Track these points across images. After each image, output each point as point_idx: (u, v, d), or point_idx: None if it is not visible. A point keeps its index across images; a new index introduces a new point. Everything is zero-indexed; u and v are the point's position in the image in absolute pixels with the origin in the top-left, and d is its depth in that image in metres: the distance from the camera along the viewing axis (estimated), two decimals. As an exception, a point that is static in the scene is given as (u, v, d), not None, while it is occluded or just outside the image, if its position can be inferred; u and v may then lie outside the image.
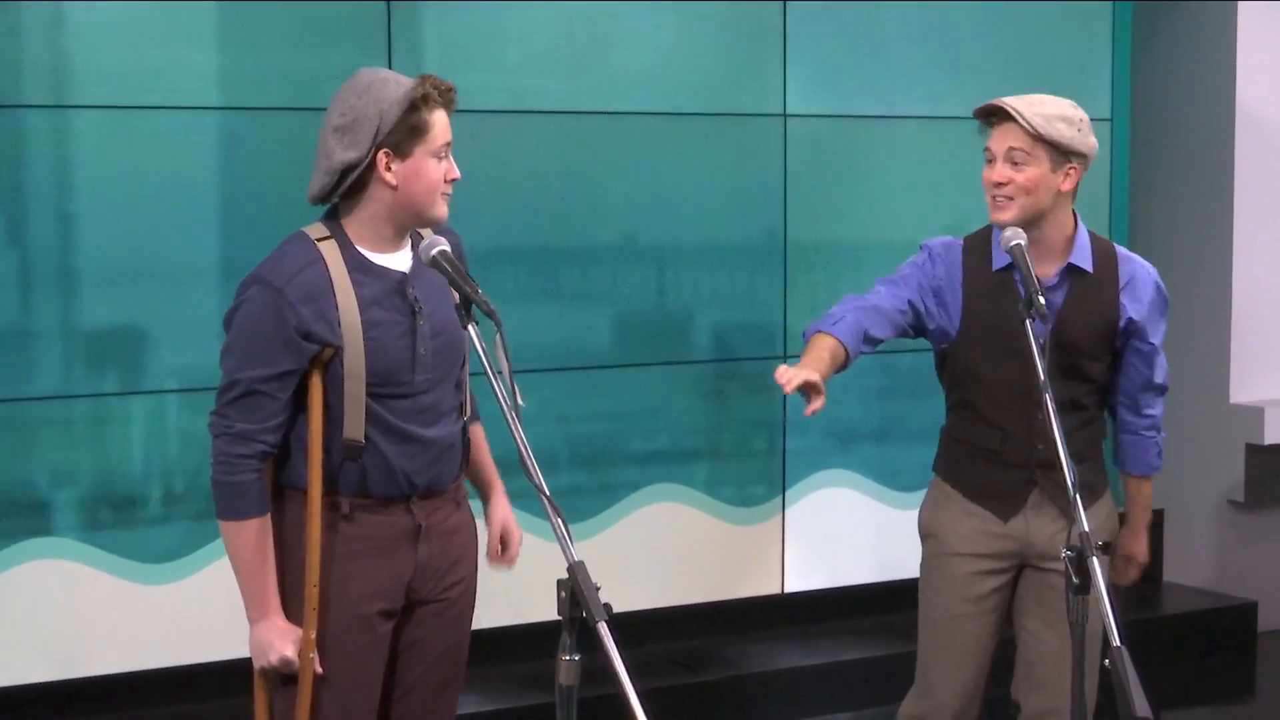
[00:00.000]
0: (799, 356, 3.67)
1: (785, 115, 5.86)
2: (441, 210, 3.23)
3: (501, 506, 3.53)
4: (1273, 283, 6.57)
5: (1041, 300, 3.43)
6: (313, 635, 3.18)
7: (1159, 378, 3.87)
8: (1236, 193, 6.47)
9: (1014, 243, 3.59)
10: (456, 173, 3.23)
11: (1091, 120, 3.71)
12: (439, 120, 3.19)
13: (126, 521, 4.92)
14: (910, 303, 3.80)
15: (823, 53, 5.90)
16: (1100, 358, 3.79)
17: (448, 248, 3.10)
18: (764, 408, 5.90)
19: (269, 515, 3.20)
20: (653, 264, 5.77)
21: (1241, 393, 6.55)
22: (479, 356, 2.95)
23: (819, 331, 3.71)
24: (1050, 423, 3.35)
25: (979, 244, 3.83)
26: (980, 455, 3.83)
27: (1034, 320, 3.43)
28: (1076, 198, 3.77)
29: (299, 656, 3.18)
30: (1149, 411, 3.91)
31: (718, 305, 5.86)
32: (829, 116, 5.94)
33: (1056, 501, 3.77)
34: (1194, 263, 6.60)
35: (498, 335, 2.90)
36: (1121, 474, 3.99)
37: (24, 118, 4.77)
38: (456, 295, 3.05)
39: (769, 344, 5.88)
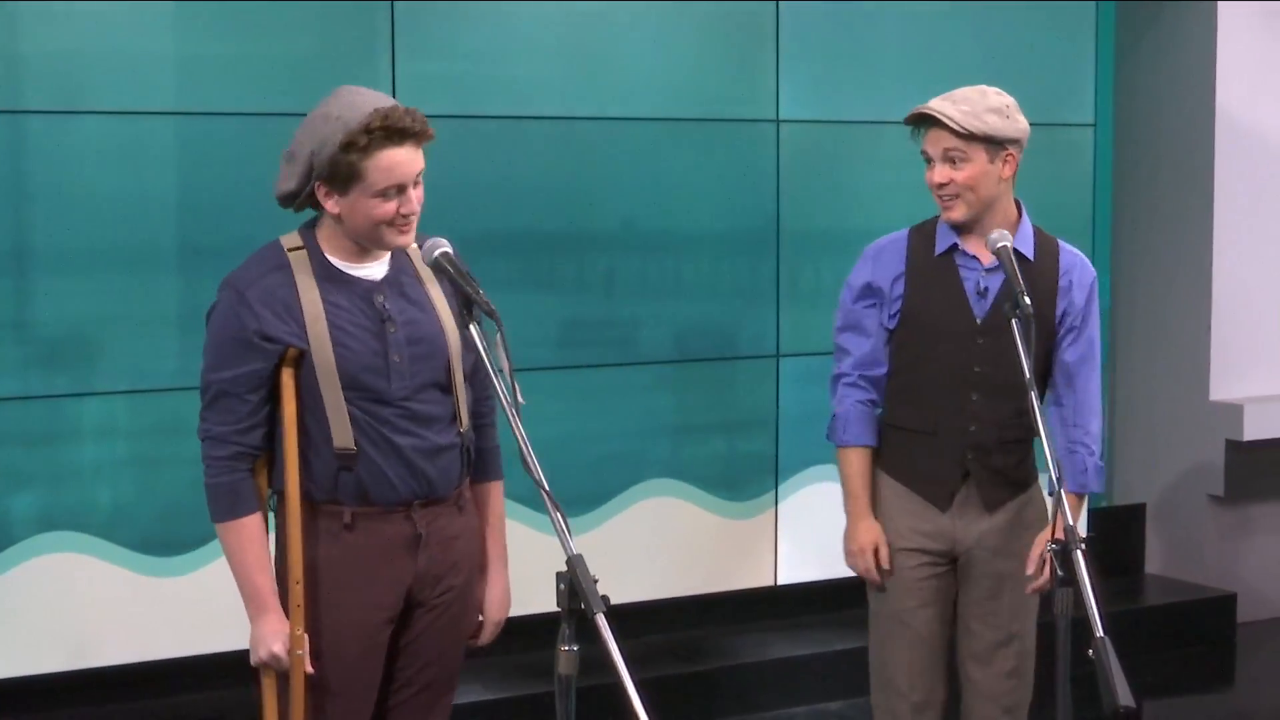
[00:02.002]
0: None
1: (778, 121, 5.86)
2: (396, 240, 3.12)
3: (493, 590, 3.39)
4: (1252, 283, 6.58)
5: (1027, 301, 3.43)
6: (299, 632, 3.14)
7: (1081, 417, 3.79)
8: (1216, 194, 6.48)
9: (1000, 244, 3.59)
10: (413, 206, 3.10)
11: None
12: (378, 165, 3.03)
13: (136, 515, 4.92)
14: (881, 338, 3.82)
15: (815, 59, 5.89)
16: (1037, 342, 3.72)
17: (450, 249, 3.08)
18: (758, 404, 5.90)
19: (256, 516, 3.18)
20: (650, 266, 5.77)
21: (1221, 390, 6.55)
22: (484, 361, 2.95)
23: (843, 446, 3.84)
24: (1037, 416, 3.35)
25: (925, 230, 3.82)
26: (915, 439, 3.79)
27: (1019, 320, 3.44)
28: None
29: (288, 654, 3.15)
30: (1079, 421, 3.80)
31: (713, 305, 5.85)
32: (821, 122, 5.94)
33: (984, 495, 3.76)
34: (1175, 263, 6.61)
35: (498, 334, 2.90)
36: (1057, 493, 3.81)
37: (26, 121, 4.77)
38: (459, 296, 3.05)
39: (763, 342, 5.88)
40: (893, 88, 5.99)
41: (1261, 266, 6.59)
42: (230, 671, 4.68)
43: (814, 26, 5.88)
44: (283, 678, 3.20)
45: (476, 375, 3.30)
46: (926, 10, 6.07)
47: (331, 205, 3.10)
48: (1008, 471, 3.76)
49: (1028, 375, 3.39)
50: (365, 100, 3.07)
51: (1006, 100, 3.70)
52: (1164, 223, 6.65)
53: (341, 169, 3.04)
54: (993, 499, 3.75)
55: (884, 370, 3.84)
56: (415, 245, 3.23)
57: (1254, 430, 6.44)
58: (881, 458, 3.86)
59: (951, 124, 3.62)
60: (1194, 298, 6.54)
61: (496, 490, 3.42)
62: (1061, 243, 3.85)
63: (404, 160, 3.07)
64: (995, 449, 3.73)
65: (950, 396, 3.74)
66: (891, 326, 3.81)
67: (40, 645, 4.84)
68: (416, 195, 3.12)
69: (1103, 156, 6.57)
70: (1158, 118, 6.65)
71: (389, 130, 3.03)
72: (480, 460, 3.36)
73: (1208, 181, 6.49)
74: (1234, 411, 6.45)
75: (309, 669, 3.15)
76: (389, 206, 3.08)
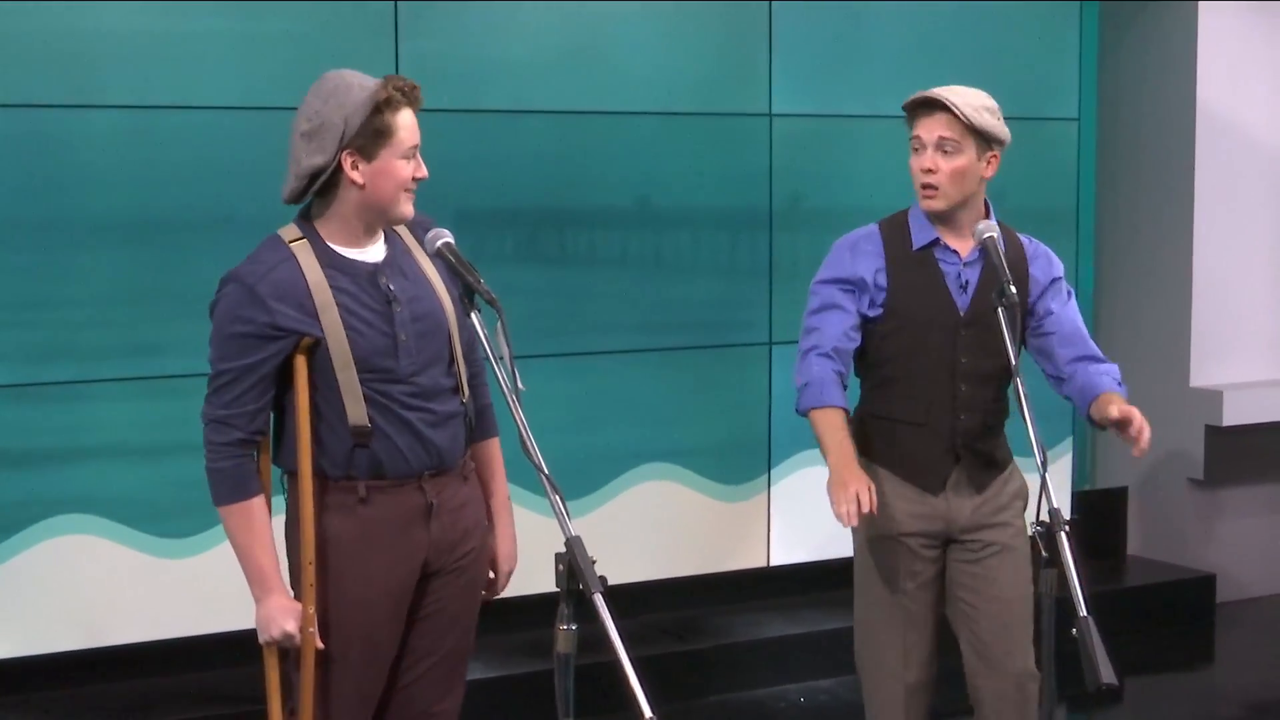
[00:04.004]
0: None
1: (770, 115, 5.85)
2: (406, 209, 3.18)
3: (503, 540, 3.44)
4: (1231, 273, 6.58)
5: (1013, 290, 3.43)
6: (311, 611, 3.15)
7: (1089, 350, 3.79)
8: (1197, 187, 6.48)
9: (987, 235, 3.58)
10: (424, 172, 3.18)
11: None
12: (404, 122, 3.13)
13: (149, 498, 4.92)
14: (854, 319, 3.75)
15: (807, 54, 5.89)
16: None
17: (451, 239, 3.11)
18: (751, 391, 5.90)
19: (260, 498, 3.19)
20: (646, 257, 5.77)
21: (1201, 377, 6.56)
22: (482, 344, 2.96)
23: (814, 408, 3.70)
24: (1023, 404, 3.35)
25: (897, 225, 3.79)
26: (905, 429, 3.76)
27: (1005, 309, 3.44)
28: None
29: (299, 631, 3.15)
30: (1093, 353, 3.79)
31: (707, 295, 5.85)
32: (813, 116, 5.93)
33: (974, 479, 3.75)
34: (1157, 254, 6.61)
35: (499, 322, 2.90)
36: (1093, 404, 3.69)
37: (45, 117, 4.77)
38: (459, 285, 3.06)
39: (756, 330, 5.88)
40: (882, 83, 5.99)
41: (1241, 256, 6.59)
42: (239, 650, 4.68)
43: (805, 23, 5.87)
44: (286, 655, 3.21)
45: (464, 341, 3.33)
46: (915, 8, 6.06)
47: (357, 175, 3.12)
48: (992, 453, 3.77)
49: (1014, 361, 3.39)
50: (364, 75, 3.15)
51: (996, 105, 3.70)
52: (1146, 214, 6.65)
53: (376, 128, 3.10)
54: (981, 479, 3.75)
55: (854, 346, 3.75)
56: (404, 225, 3.27)
57: (1233, 416, 6.44)
58: (871, 449, 3.80)
59: (957, 112, 3.61)
60: (1175, 287, 6.55)
61: (494, 446, 3.45)
62: (1021, 235, 3.84)
63: (415, 124, 3.16)
64: (981, 434, 3.74)
65: (939, 388, 3.72)
66: (876, 319, 3.76)
67: (52, 625, 4.84)
68: None
69: (1086, 150, 6.56)
70: (1140, 112, 6.65)
71: (403, 91, 3.14)
72: (476, 418, 3.37)
73: (1188, 174, 6.49)
74: (1213, 397, 6.45)
75: (320, 645, 3.16)
76: (410, 169, 3.15)
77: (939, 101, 3.63)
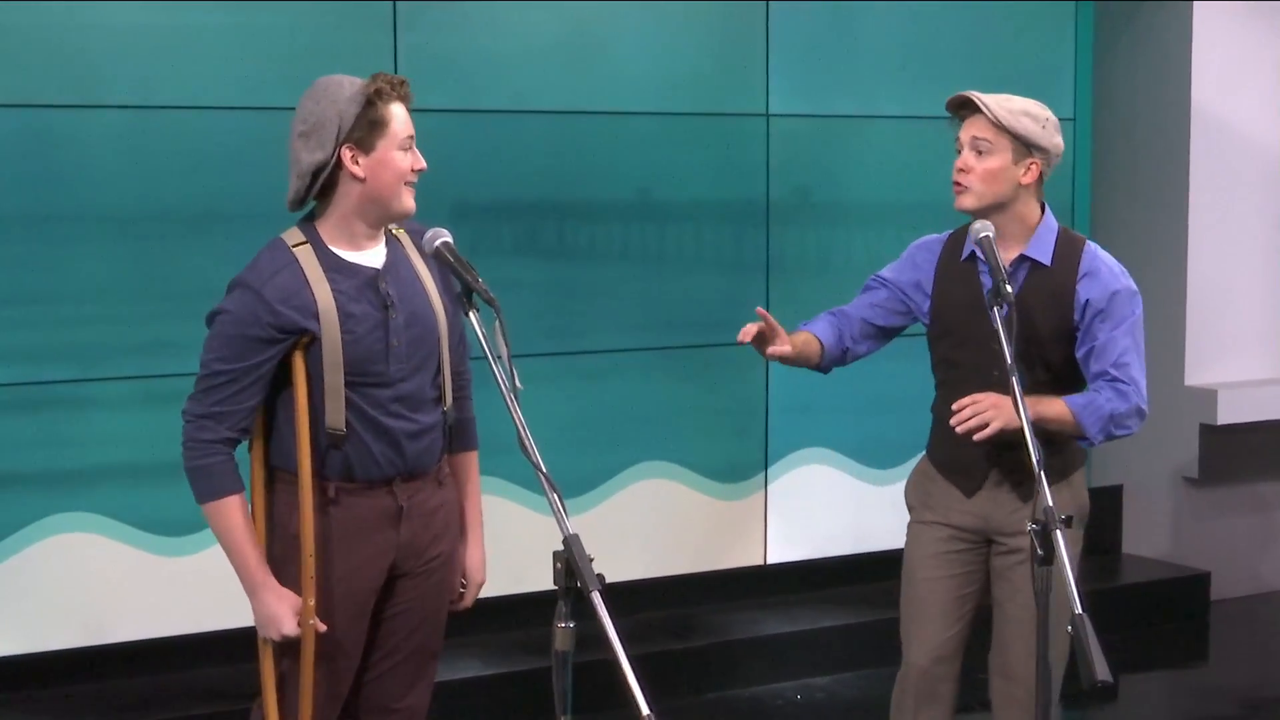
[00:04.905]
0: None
1: (768, 115, 5.85)
2: (408, 202, 3.21)
3: (473, 553, 3.46)
4: (1225, 273, 6.58)
5: (1009, 289, 3.42)
6: (311, 602, 3.18)
7: (1106, 364, 3.70)
8: (1191, 188, 6.48)
9: (982, 234, 3.58)
10: (422, 163, 3.21)
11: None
12: (397, 114, 3.17)
13: (149, 496, 4.91)
14: (885, 300, 3.85)
15: (804, 55, 5.89)
16: (1055, 345, 3.72)
17: (450, 239, 3.11)
18: (748, 390, 5.90)
19: (243, 494, 3.20)
20: (643, 256, 5.77)
21: (1196, 376, 6.56)
22: (480, 343, 2.95)
23: (798, 331, 3.85)
24: (1019, 404, 3.34)
25: (959, 236, 3.81)
26: (946, 431, 3.77)
27: (1001, 308, 3.43)
28: (1043, 193, 3.76)
29: (300, 624, 3.18)
30: (1109, 372, 3.71)
31: (705, 294, 5.85)
32: (810, 117, 5.93)
33: (1017, 485, 3.74)
34: (1151, 254, 6.61)
35: (497, 321, 2.90)
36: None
37: (51, 116, 4.76)
38: (458, 284, 3.06)
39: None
40: (879, 84, 5.99)
41: (1235, 256, 6.60)
42: (239, 647, 4.68)
43: (803, 24, 5.87)
44: (281, 648, 3.22)
45: (456, 350, 3.34)
46: (911, 9, 6.06)
47: (357, 169, 3.14)
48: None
49: (1009, 360, 3.38)
50: (351, 76, 3.20)
51: (1049, 115, 3.70)
52: (1141, 214, 6.65)
53: (371, 120, 3.13)
54: (1027, 489, 3.72)
55: (870, 318, 3.86)
56: (403, 229, 3.29)
57: (1227, 415, 6.44)
58: (928, 444, 3.91)
59: (987, 112, 3.62)
60: (1169, 286, 6.54)
61: (473, 459, 3.47)
62: (1090, 246, 3.77)
63: (408, 116, 3.20)
64: (1020, 445, 3.69)
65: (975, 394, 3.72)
66: (928, 325, 3.85)
67: (52, 623, 4.84)
68: None
69: (1082, 150, 6.56)
70: (1135, 112, 6.65)
71: (393, 85, 3.17)
72: (457, 430, 3.39)
73: (1183, 174, 6.49)
74: (1208, 396, 6.46)
75: (322, 627, 3.18)
76: (408, 160, 3.17)
77: (974, 102, 3.66)
